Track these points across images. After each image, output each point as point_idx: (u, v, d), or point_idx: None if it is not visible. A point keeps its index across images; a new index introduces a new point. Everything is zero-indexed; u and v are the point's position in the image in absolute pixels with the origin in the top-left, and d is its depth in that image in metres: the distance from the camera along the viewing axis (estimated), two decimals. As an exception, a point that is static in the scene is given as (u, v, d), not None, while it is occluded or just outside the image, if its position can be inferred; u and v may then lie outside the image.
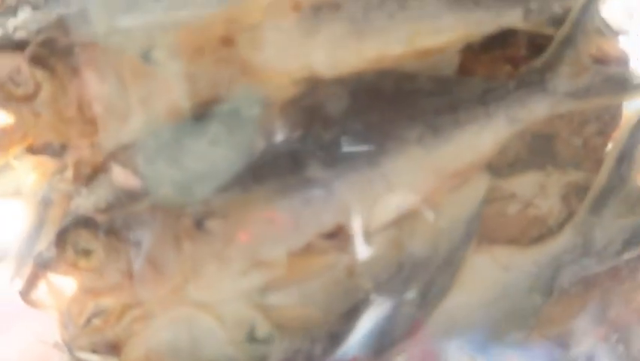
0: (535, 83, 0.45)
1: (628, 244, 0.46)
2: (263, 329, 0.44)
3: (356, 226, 0.43)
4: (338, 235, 0.44)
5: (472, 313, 0.45)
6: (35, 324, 0.44)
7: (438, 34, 0.44)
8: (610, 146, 0.46)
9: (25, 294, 0.43)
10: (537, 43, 0.45)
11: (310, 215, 0.43)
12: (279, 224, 0.43)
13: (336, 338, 0.44)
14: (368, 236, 0.44)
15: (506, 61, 0.45)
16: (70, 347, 0.43)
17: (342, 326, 0.44)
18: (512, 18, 0.45)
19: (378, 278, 0.44)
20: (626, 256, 0.46)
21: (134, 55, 0.43)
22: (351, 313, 0.44)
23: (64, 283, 0.43)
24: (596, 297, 0.46)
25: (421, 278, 0.44)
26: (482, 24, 0.45)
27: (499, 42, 0.45)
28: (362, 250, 0.43)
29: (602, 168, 0.46)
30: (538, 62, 0.45)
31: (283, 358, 0.43)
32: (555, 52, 0.45)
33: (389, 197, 0.44)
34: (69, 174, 0.43)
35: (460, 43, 0.45)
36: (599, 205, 0.46)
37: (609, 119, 0.46)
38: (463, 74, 0.45)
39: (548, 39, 0.45)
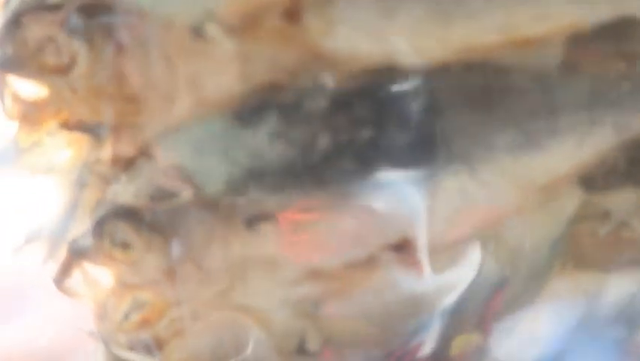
0: (654, 85, 0.35)
1: None
2: (314, 341, 0.36)
3: (426, 241, 0.35)
4: (405, 249, 0.35)
5: (544, 343, 0.36)
6: (69, 309, 0.37)
7: (543, 21, 0.34)
8: None
9: (59, 282, 0.36)
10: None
11: (375, 224, 0.35)
12: (339, 232, 0.35)
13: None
14: (438, 253, 0.35)
15: (620, 57, 0.35)
16: (106, 341, 0.36)
17: (400, 347, 0.36)
18: (638, 5, 0.34)
19: (447, 300, 0.35)
20: None
21: (185, 28, 0.34)
22: (412, 336, 0.36)
23: (101, 274, 0.36)
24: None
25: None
26: (598, 10, 0.34)
27: (613, 33, 0.35)
28: (429, 269, 0.35)
29: None
30: (659, 60, 0.35)
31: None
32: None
33: (466, 210, 0.35)
34: (106, 155, 0.35)
35: (567, 32, 0.35)
36: None
37: None
38: (566, 69, 0.35)
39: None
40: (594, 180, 0.36)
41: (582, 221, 0.36)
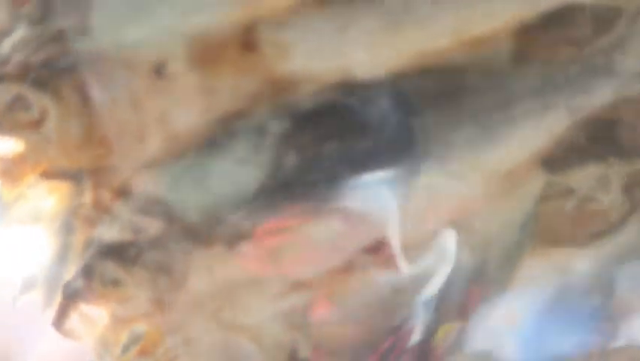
0: (601, 65, 0.35)
1: None
2: (305, 349, 0.37)
3: (398, 241, 0.35)
4: (380, 250, 0.36)
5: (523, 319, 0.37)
6: (69, 347, 0.37)
7: (490, 19, 0.34)
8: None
9: (59, 325, 0.37)
10: (607, 19, 0.35)
11: (349, 232, 0.35)
12: (316, 244, 0.35)
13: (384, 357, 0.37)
14: (412, 250, 0.35)
15: (568, 42, 0.35)
16: (109, 376, 0.37)
17: (387, 340, 0.36)
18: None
19: (425, 293, 0.36)
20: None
21: (146, 69, 0.34)
22: (397, 330, 0.36)
23: (97, 312, 0.36)
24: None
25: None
26: (543, 0, 0.34)
27: (560, 20, 0.35)
28: (405, 265, 0.36)
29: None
30: (604, 41, 0.35)
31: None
32: (625, 27, 0.35)
33: (436, 205, 0.35)
34: (88, 198, 0.35)
35: (513, 25, 0.35)
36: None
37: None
38: (519, 61, 0.35)
39: (619, 12, 0.35)
40: (555, 160, 0.36)
41: (548, 200, 0.36)
